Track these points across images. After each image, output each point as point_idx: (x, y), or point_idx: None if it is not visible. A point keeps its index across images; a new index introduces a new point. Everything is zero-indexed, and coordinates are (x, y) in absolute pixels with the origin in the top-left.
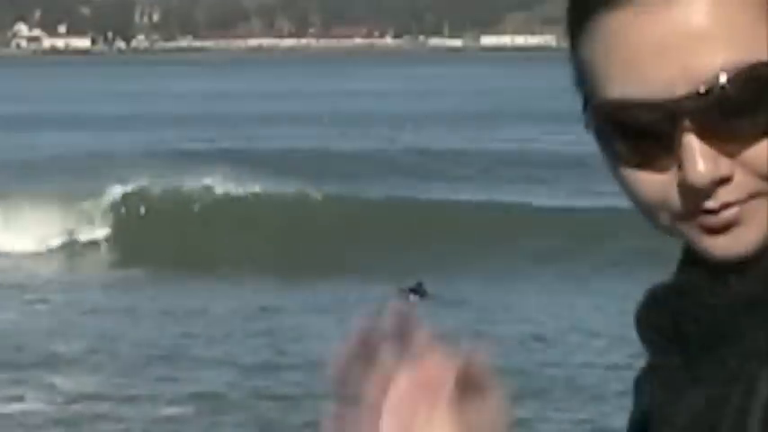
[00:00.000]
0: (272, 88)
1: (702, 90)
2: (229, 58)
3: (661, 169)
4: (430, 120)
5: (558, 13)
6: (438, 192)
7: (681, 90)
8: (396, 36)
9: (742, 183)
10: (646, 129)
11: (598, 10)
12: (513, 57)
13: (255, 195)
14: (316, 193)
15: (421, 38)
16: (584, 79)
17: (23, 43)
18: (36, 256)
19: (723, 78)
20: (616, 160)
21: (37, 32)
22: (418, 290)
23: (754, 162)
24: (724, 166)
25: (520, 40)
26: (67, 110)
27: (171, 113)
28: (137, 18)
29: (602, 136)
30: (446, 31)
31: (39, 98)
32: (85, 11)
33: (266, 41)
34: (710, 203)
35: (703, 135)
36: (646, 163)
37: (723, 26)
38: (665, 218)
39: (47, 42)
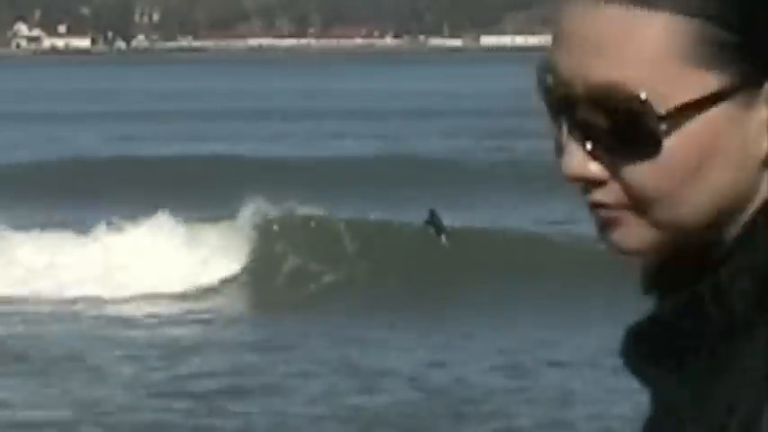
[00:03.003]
0: (275, 87)
1: (586, 95)
2: (229, 58)
3: (560, 152)
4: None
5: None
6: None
7: (578, 88)
8: (396, 36)
9: (613, 191)
10: (550, 107)
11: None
12: (513, 57)
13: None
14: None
15: (421, 38)
16: None
17: (23, 43)
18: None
19: (609, 93)
20: None
21: (37, 32)
22: (433, 222)
23: (623, 182)
24: (595, 169)
25: (520, 40)
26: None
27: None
28: (137, 18)
29: None
30: (446, 31)
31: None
32: (85, 11)
33: (266, 41)
34: (588, 197)
35: (584, 135)
36: (558, 142)
37: (635, 50)
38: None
39: (47, 42)
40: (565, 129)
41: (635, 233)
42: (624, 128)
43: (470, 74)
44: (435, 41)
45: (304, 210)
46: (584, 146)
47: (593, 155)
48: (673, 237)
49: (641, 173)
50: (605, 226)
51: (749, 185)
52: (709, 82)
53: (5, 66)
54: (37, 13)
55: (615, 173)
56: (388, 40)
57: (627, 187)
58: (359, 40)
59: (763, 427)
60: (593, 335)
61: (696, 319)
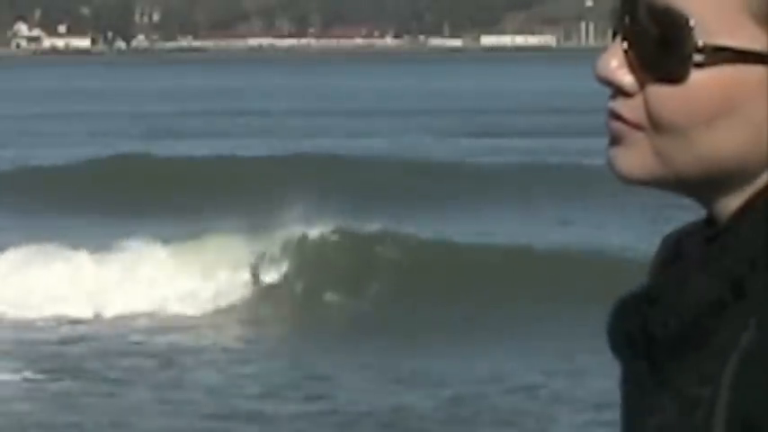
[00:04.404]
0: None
1: (648, 1)
2: (229, 58)
3: None
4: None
5: (558, 13)
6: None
7: None
8: (396, 36)
9: (634, 107)
10: (615, 10)
11: None
12: (513, 57)
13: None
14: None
15: (421, 38)
16: None
17: (23, 43)
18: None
19: (668, 6)
20: None
21: (37, 32)
22: None
23: (648, 99)
24: (627, 79)
25: (520, 40)
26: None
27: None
28: (137, 18)
29: None
30: (446, 31)
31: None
32: (85, 11)
33: (266, 41)
34: (608, 104)
35: (629, 45)
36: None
37: None
38: None
39: (47, 42)
40: (620, 34)
41: (638, 156)
42: (667, 43)
43: (470, 74)
44: (435, 41)
45: (321, 223)
46: (623, 55)
47: (630, 63)
48: (669, 177)
49: (664, 95)
50: (614, 139)
51: (759, 162)
52: (758, 40)
53: (5, 66)
54: (37, 13)
55: (642, 88)
56: (388, 40)
57: (648, 106)
58: (359, 40)
59: (725, 399)
60: None
61: (677, 294)
